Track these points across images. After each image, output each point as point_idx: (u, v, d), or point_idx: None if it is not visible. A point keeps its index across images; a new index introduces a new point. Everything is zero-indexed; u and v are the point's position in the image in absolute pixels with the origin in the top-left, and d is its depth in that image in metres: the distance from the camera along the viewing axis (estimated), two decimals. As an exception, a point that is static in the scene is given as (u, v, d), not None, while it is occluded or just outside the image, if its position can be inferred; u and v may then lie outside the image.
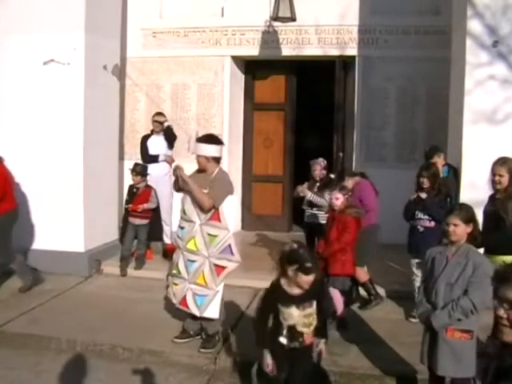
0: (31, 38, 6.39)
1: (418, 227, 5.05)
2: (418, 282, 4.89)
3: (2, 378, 4.10)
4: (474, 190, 5.40)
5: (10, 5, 6.51)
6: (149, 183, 6.66)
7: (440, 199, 4.97)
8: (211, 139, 4.43)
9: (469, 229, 3.26)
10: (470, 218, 3.27)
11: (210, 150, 4.35)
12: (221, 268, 4.34)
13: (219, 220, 4.33)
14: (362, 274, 5.48)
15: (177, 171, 4.29)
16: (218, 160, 4.43)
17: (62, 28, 6.34)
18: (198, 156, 4.37)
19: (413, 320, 4.92)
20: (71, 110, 6.45)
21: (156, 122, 7.03)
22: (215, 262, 4.33)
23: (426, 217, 5.02)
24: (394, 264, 6.22)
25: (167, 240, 7.05)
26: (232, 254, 4.33)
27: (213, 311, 4.40)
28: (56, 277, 6.26)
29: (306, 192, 5.85)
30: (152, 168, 6.79)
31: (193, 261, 4.37)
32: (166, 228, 7.00)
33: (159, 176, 6.86)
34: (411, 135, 7.88)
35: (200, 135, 4.62)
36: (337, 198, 4.89)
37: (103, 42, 6.75)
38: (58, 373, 4.16)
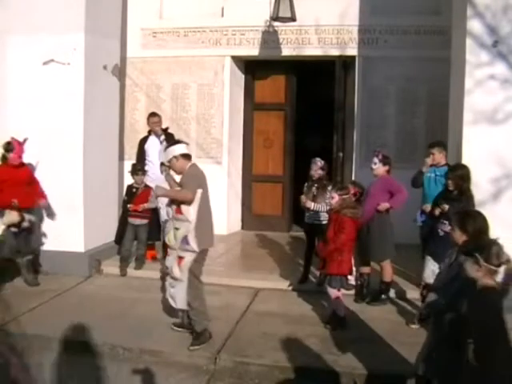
0: (31, 38, 6.39)
1: (439, 231, 4.97)
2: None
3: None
4: (475, 190, 5.39)
5: (11, 5, 6.51)
6: (150, 183, 6.65)
7: (463, 205, 4.72)
8: (174, 142, 4.83)
9: (464, 237, 3.16)
10: (466, 225, 3.17)
11: (176, 149, 4.61)
12: (180, 259, 4.53)
13: (181, 213, 4.48)
14: (388, 272, 5.52)
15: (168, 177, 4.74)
16: (187, 157, 4.64)
17: (62, 28, 6.33)
18: (169, 160, 4.64)
19: (413, 326, 4.89)
20: (71, 110, 6.45)
21: (154, 123, 6.94)
22: (179, 253, 4.54)
23: (447, 222, 4.96)
24: (394, 264, 6.21)
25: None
26: (187, 243, 4.46)
27: (181, 302, 4.58)
28: (56, 277, 6.27)
29: (309, 204, 5.87)
30: (154, 170, 6.77)
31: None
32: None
33: (161, 177, 6.83)
34: (411, 135, 7.88)
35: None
36: (332, 198, 5.01)
37: (103, 42, 6.75)
38: (57, 373, 4.15)
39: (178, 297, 4.57)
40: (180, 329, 4.80)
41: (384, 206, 5.35)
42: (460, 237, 3.18)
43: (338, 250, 4.85)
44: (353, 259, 5.68)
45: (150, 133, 7.10)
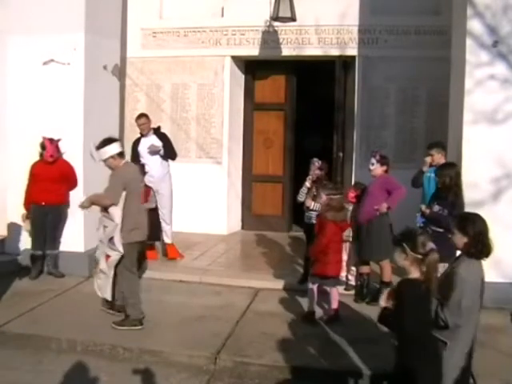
0: (31, 38, 6.38)
1: (427, 229, 5.00)
2: None
3: (1, 377, 4.10)
4: (475, 190, 5.41)
5: (11, 5, 6.51)
6: (149, 183, 6.65)
7: (451, 202, 4.80)
8: (108, 140, 5.00)
9: (464, 239, 3.16)
10: (465, 228, 3.17)
11: (112, 149, 4.91)
12: (108, 256, 4.90)
13: (107, 212, 4.83)
14: (388, 272, 5.54)
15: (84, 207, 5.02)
16: (121, 155, 5.00)
17: (62, 28, 6.33)
18: (105, 160, 4.92)
19: None
20: (71, 110, 6.45)
21: (140, 125, 6.83)
22: (107, 251, 4.90)
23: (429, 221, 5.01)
24: (394, 264, 6.22)
25: (167, 240, 7.04)
26: (114, 244, 4.82)
27: (106, 293, 5.00)
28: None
29: (309, 203, 5.89)
30: (152, 168, 6.76)
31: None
32: (166, 228, 6.97)
33: (159, 176, 6.83)
34: (411, 135, 7.88)
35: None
36: (320, 198, 5.04)
37: (103, 41, 6.75)
38: (58, 373, 4.15)
39: (104, 288, 4.99)
40: (111, 311, 5.08)
41: (383, 206, 5.35)
42: (460, 240, 3.18)
43: (322, 251, 4.91)
44: (345, 259, 5.75)
45: (141, 135, 7.05)
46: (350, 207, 5.79)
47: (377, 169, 5.49)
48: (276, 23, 7.80)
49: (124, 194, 4.79)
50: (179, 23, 8.39)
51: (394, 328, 3.05)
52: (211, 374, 4.23)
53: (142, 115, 6.99)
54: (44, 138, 6.12)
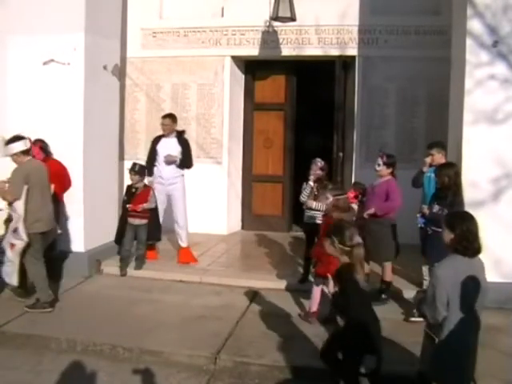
0: (31, 38, 6.38)
1: (428, 229, 5.03)
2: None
3: (1, 377, 4.10)
4: (475, 189, 5.42)
5: (11, 5, 6.51)
6: (160, 185, 6.64)
7: (450, 201, 4.84)
8: (16, 138, 5.24)
9: (451, 235, 3.18)
10: (453, 225, 3.20)
11: (16, 147, 5.18)
12: (12, 245, 5.17)
13: (11, 205, 5.15)
14: (388, 272, 5.58)
15: None
16: (25, 152, 5.23)
17: (62, 28, 6.33)
18: (11, 156, 5.20)
19: (412, 319, 4.93)
20: (71, 110, 6.44)
21: (162, 125, 6.80)
22: (10, 240, 5.18)
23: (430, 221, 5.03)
24: (395, 264, 6.22)
25: (182, 243, 6.92)
26: (19, 234, 5.11)
27: (13, 280, 5.24)
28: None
29: (310, 203, 5.88)
30: (165, 171, 6.74)
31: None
32: (179, 230, 6.86)
33: (170, 178, 6.75)
34: (411, 135, 7.89)
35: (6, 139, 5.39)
36: (326, 198, 5.03)
37: (103, 42, 6.75)
38: (58, 373, 4.16)
39: (10, 275, 5.23)
40: (20, 298, 5.38)
41: (370, 211, 5.41)
42: (448, 236, 3.23)
43: (326, 252, 4.88)
44: None
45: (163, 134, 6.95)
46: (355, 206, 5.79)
47: (383, 170, 5.55)
48: (276, 23, 7.80)
49: (26, 187, 5.06)
50: (179, 23, 8.39)
51: (340, 308, 3.50)
52: (211, 374, 4.24)
53: (167, 115, 6.95)
54: (29, 140, 5.90)
